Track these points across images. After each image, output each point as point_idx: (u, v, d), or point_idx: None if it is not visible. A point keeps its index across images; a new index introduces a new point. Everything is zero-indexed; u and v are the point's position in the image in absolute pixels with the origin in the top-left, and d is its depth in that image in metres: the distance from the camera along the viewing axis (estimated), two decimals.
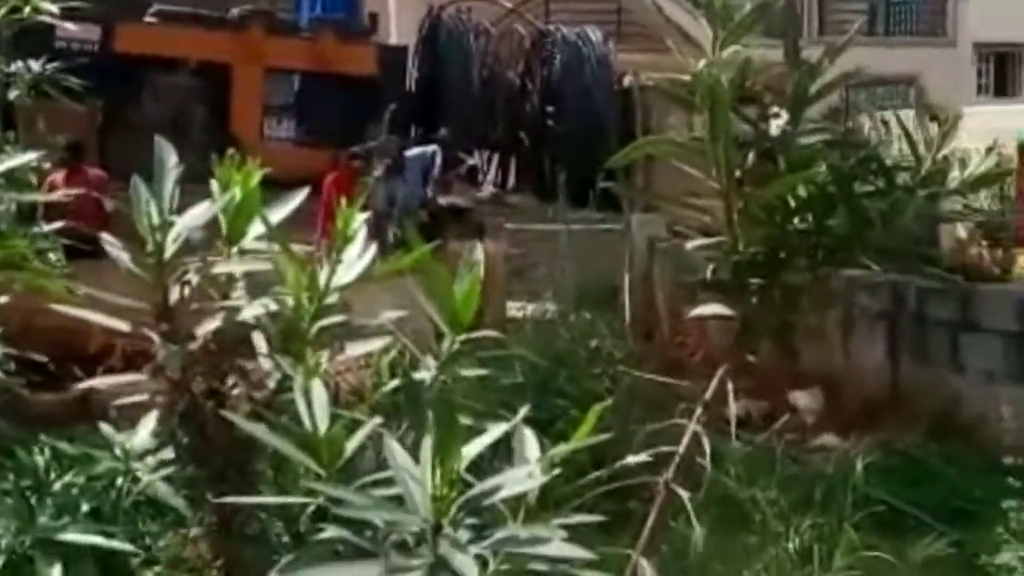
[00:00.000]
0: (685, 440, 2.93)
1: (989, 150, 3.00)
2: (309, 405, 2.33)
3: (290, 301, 2.73)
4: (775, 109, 3.07)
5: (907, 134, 2.85)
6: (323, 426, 2.31)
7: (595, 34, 15.25)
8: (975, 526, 6.59)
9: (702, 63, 2.98)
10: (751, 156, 3.04)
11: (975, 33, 21.46)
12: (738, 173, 3.01)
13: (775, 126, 3.08)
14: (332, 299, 2.82)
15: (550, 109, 15.03)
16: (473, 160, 14.03)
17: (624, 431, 5.07)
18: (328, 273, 2.80)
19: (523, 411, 2.62)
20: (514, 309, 10.56)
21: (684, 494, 2.87)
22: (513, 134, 15.50)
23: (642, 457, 2.80)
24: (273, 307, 2.76)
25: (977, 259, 17.54)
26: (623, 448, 3.46)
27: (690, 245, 3.01)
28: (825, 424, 9.67)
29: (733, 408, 2.89)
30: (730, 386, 2.91)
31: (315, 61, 15.01)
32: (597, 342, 8.36)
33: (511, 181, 15.89)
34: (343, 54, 14.93)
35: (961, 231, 18.97)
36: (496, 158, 15.82)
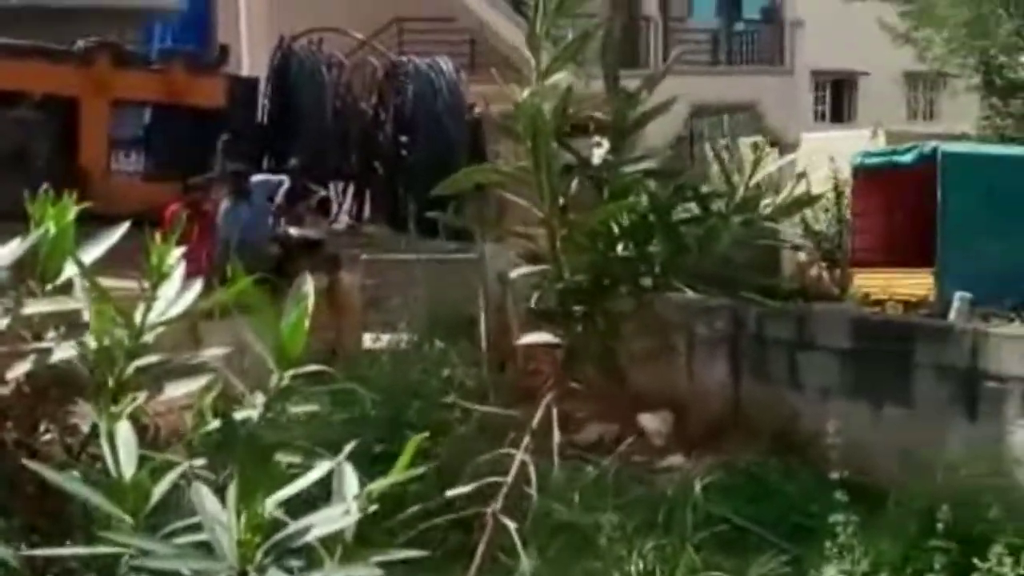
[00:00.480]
0: (513, 469, 2.93)
1: (800, 176, 3.11)
2: (113, 450, 2.26)
3: (104, 340, 2.65)
4: (596, 138, 3.12)
5: (720, 161, 2.92)
6: (129, 472, 2.24)
7: (447, 64, 15.32)
8: (812, 541, 6.78)
9: (526, 92, 3.01)
10: (574, 184, 3.07)
11: (812, 62, 22.32)
12: (562, 201, 3.04)
13: (597, 155, 3.13)
14: (148, 337, 2.74)
15: (403, 139, 15.01)
16: (327, 191, 13.89)
17: (468, 462, 5.07)
18: (143, 311, 2.72)
19: (348, 448, 2.59)
20: (370, 340, 10.49)
21: (512, 524, 2.87)
22: (367, 165, 15.42)
23: (467, 489, 2.78)
24: (89, 347, 2.68)
25: (817, 280, 18.23)
26: (470, 479, 3.45)
27: (514, 274, 3.03)
28: (673, 445, 9.87)
29: (557, 435, 2.90)
30: (555, 413, 2.93)
31: (164, 93, 14.69)
32: (449, 372, 8.36)
33: (366, 212, 15.79)
34: (193, 86, 14.65)
35: (801, 253, 19.69)
36: (351, 189, 15.72)
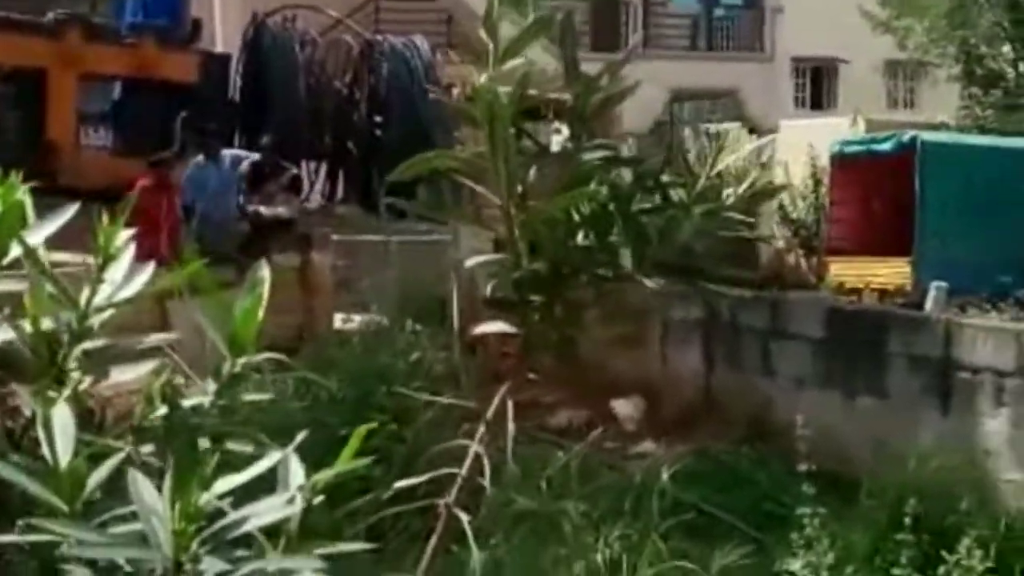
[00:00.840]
0: (468, 460, 2.88)
1: (763, 166, 3.05)
2: (49, 435, 2.20)
3: (40, 323, 2.60)
4: (556, 124, 3.06)
5: (682, 151, 2.87)
6: (65, 458, 2.18)
7: (423, 44, 15.19)
8: (783, 530, 6.77)
9: (483, 77, 2.95)
10: (533, 171, 3.01)
11: (792, 48, 22.26)
12: (521, 188, 2.98)
13: (556, 141, 3.07)
14: (95, 320, 2.68)
15: (378, 119, 14.88)
16: (299, 170, 13.74)
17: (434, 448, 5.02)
18: (89, 293, 2.66)
19: (299, 436, 2.55)
20: (340, 320, 10.43)
21: (465, 516, 2.82)
22: (341, 144, 15.29)
23: (417, 480, 2.73)
24: (25, 330, 2.62)
25: (794, 268, 18.20)
26: (426, 469, 3.40)
27: (469, 262, 2.97)
28: (645, 431, 9.86)
29: (511, 426, 2.85)
30: (510, 403, 2.88)
31: (134, 68, 14.50)
32: (419, 355, 8.29)
33: (339, 191, 15.66)
34: (164, 61, 14.47)
35: (780, 240, 19.66)
36: (324, 168, 15.59)
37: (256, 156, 11.58)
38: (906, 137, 15.93)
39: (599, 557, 5.52)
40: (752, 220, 3.02)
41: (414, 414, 6.78)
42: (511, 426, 2.85)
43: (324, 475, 2.39)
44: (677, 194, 2.95)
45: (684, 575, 5.50)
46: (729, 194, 2.95)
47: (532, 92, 3.11)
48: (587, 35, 16.19)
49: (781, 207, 20.46)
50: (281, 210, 10.99)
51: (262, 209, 10.88)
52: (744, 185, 2.97)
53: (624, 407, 10.21)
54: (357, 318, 10.08)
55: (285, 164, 11.72)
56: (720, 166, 2.92)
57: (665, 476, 6.72)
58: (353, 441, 2.43)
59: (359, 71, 15.39)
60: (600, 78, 3.01)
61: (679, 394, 10.60)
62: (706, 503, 7.28)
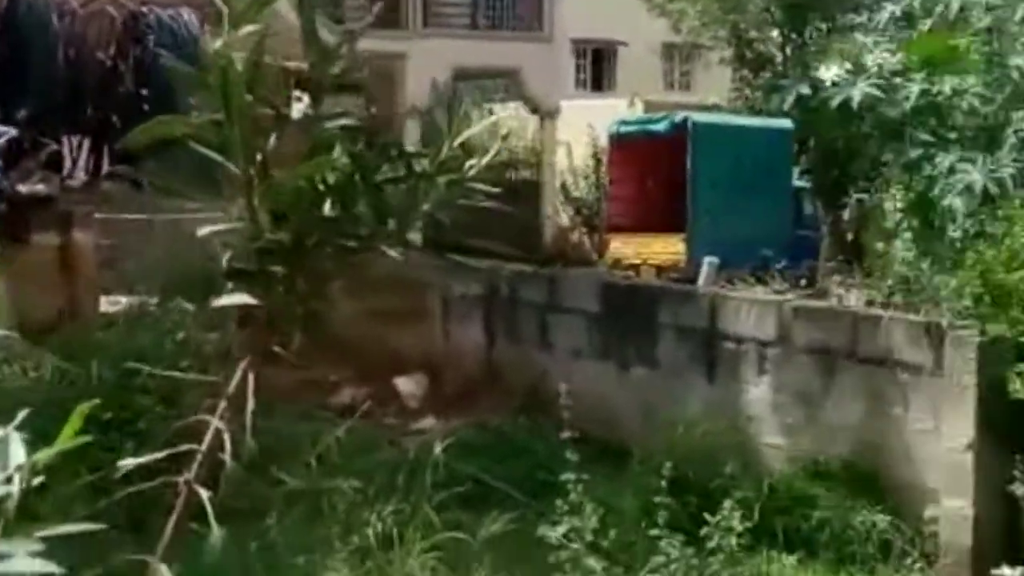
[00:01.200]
0: (208, 437, 2.80)
1: (504, 138, 3.08)
2: None
3: None
4: (297, 92, 3.00)
5: (425, 123, 2.86)
6: None
7: (191, 16, 14.73)
8: (556, 497, 6.92)
9: (218, 42, 2.86)
10: (273, 139, 2.94)
11: (572, 29, 22.68)
12: (260, 157, 2.91)
13: (297, 109, 3.01)
14: None
15: (144, 92, 14.34)
16: (59, 146, 13.04)
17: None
18: None
19: (21, 416, 2.43)
20: (107, 302, 9.99)
21: (205, 493, 2.75)
22: (105, 118, 14.63)
23: (152, 457, 2.64)
24: None
25: (578, 245, 18.67)
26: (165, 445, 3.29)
27: (202, 232, 2.88)
28: (427, 407, 9.91)
29: (251, 402, 2.79)
30: (251, 378, 2.82)
31: None
32: (185, 335, 8.04)
33: (104, 167, 14.98)
34: None
35: (564, 218, 20.11)
36: (87, 143, 14.89)
37: (12, 131, 10.92)
38: (679, 118, 16.54)
39: (371, 532, 5.50)
40: (496, 190, 3.03)
41: (181, 394, 6.58)
42: (251, 401, 2.79)
43: (44, 454, 2.30)
44: (421, 165, 2.95)
45: (453, 544, 5.55)
46: (472, 164, 2.97)
47: (277, 61, 3.04)
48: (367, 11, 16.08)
49: (564, 186, 20.93)
50: (40, 187, 10.41)
51: (19, 187, 10.28)
52: (488, 157, 3.00)
53: (407, 385, 10.24)
54: (123, 299, 9.68)
55: (44, 139, 11.10)
56: (461, 138, 2.93)
57: (439, 449, 6.76)
58: (74, 419, 2.34)
59: (123, 43, 14.77)
60: (339, 47, 2.97)
61: (461, 369, 10.70)
62: (483, 474, 7.37)
